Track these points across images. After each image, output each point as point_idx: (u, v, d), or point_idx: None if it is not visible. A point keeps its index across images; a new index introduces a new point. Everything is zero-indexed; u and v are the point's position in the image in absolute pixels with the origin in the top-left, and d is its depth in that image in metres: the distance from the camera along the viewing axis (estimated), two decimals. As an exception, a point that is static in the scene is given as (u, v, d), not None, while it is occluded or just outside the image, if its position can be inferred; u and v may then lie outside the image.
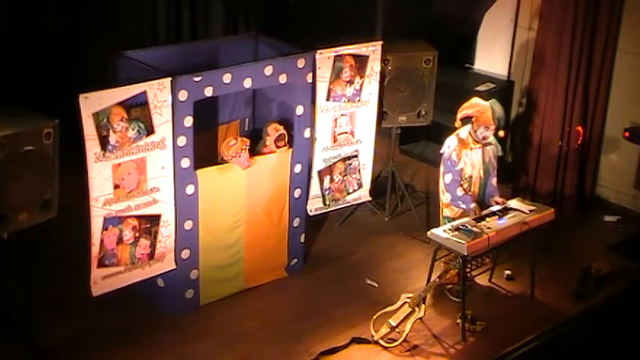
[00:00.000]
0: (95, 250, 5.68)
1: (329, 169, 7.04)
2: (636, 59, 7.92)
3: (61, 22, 8.04)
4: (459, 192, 6.52)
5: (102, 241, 5.70)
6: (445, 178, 6.56)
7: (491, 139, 6.61)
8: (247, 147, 6.32)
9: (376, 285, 6.88)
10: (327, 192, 7.07)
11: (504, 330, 6.36)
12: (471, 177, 6.57)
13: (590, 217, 8.20)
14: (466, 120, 6.60)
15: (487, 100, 6.67)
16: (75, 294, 5.99)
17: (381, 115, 7.42)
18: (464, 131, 6.58)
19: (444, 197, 6.65)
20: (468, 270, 6.40)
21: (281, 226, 6.75)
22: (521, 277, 6.95)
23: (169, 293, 6.31)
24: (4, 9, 7.74)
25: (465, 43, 9.24)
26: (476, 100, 6.64)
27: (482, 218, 6.42)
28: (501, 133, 6.61)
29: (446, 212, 6.69)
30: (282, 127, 6.55)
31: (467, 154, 6.53)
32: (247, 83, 6.19)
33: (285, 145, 6.58)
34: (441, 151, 6.66)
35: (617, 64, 8.01)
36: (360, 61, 6.85)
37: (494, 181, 6.73)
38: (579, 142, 7.95)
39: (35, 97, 7.06)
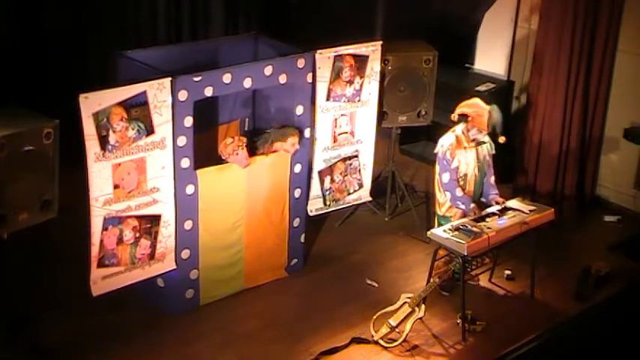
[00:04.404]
0: (95, 250, 5.68)
1: (329, 170, 7.04)
2: (636, 59, 7.92)
3: (61, 22, 8.03)
4: (459, 192, 6.52)
5: (102, 241, 5.70)
6: (443, 178, 6.57)
7: (486, 138, 6.61)
8: (244, 144, 6.31)
9: (376, 285, 6.88)
10: (327, 192, 7.07)
11: (504, 330, 6.35)
12: (465, 175, 6.57)
13: (590, 217, 8.20)
14: (462, 117, 6.61)
15: (488, 103, 6.67)
16: (75, 294, 5.99)
17: (381, 115, 7.42)
18: (458, 129, 6.59)
19: (443, 196, 6.64)
20: (468, 270, 6.42)
21: (281, 226, 6.75)
22: (521, 277, 6.95)
23: (169, 293, 6.31)
24: (4, 9, 7.74)
25: (465, 43, 9.24)
26: (477, 101, 6.64)
27: (482, 218, 6.42)
28: (502, 139, 6.58)
29: (443, 211, 6.69)
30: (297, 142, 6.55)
31: (461, 153, 6.53)
32: (247, 83, 6.19)
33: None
34: (435, 151, 6.66)
35: (617, 64, 8.00)
36: (360, 61, 6.85)
37: (492, 179, 6.74)
38: None
39: (35, 97, 7.05)
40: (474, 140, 6.55)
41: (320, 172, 6.98)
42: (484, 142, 6.62)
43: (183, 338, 6.08)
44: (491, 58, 9.05)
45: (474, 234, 6.16)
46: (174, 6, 8.72)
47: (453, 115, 6.65)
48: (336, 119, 6.93)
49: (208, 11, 8.95)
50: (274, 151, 6.54)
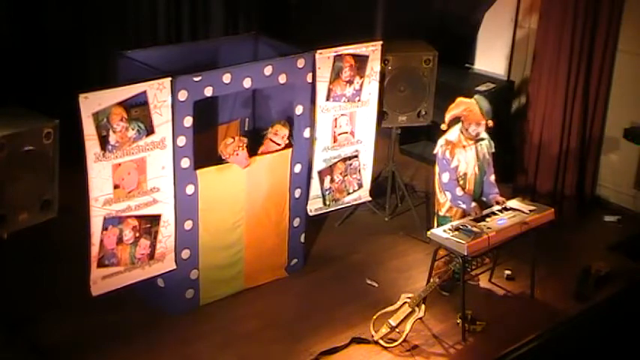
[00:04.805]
0: (95, 250, 5.68)
1: (329, 169, 7.04)
2: (636, 59, 7.92)
3: (61, 22, 8.04)
4: (459, 192, 6.52)
5: (102, 241, 5.70)
6: (443, 178, 6.57)
7: (484, 134, 6.62)
8: (245, 145, 6.31)
9: (376, 285, 6.88)
10: (327, 192, 7.06)
11: (504, 330, 6.35)
12: (465, 174, 6.57)
13: (590, 217, 8.20)
14: (453, 122, 6.61)
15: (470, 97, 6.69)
16: (75, 294, 5.99)
17: (381, 115, 7.42)
18: (453, 133, 6.57)
19: (443, 197, 6.64)
20: (468, 270, 6.41)
21: (281, 226, 6.75)
22: (521, 277, 6.94)
23: (169, 293, 6.31)
24: (4, 9, 7.74)
25: (465, 43, 9.24)
26: (460, 99, 6.63)
27: (482, 218, 6.42)
28: (490, 123, 6.60)
29: (443, 212, 6.69)
30: (286, 130, 6.56)
31: (460, 152, 6.53)
32: (247, 83, 6.19)
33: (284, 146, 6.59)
34: (435, 151, 6.66)
35: (617, 64, 8.00)
36: (360, 61, 6.85)
37: (492, 178, 6.73)
38: None
39: (35, 97, 7.05)
40: (476, 135, 6.53)
41: (320, 172, 6.97)
42: (483, 139, 6.62)
43: (183, 338, 6.08)
44: (491, 58, 9.05)
45: (474, 234, 6.16)
46: (174, 6, 8.72)
47: (443, 125, 6.63)
48: (336, 119, 6.93)
49: (208, 11, 8.96)
50: (270, 151, 6.54)
